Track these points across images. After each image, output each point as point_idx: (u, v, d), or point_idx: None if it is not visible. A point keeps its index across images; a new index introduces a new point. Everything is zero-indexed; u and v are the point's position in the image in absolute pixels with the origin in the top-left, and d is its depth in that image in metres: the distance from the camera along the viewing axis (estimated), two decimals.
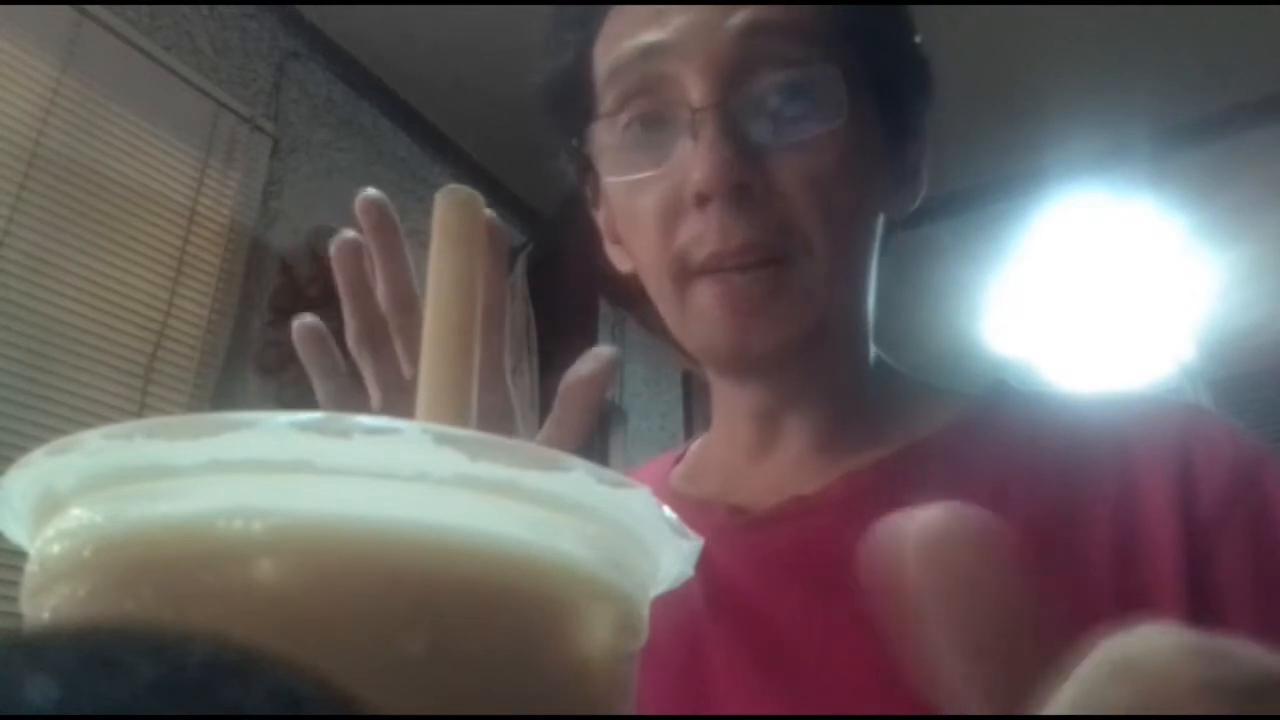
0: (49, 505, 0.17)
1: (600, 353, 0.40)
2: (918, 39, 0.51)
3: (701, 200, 0.43)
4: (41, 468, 0.16)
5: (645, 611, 0.20)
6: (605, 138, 0.47)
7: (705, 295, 0.44)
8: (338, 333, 0.44)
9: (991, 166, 2.50)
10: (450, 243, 0.23)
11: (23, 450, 0.16)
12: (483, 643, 0.15)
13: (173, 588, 0.15)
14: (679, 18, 0.44)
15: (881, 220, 0.49)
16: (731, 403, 0.53)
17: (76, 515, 0.16)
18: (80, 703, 0.08)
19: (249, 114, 1.90)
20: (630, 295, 0.50)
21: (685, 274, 0.45)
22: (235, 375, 1.78)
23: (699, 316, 0.45)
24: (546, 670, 0.16)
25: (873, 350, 0.52)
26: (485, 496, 0.16)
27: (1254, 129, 2.32)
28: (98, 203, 1.61)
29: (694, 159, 0.42)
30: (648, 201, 0.45)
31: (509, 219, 2.41)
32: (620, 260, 0.53)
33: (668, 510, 0.19)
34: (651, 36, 0.44)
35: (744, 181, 0.42)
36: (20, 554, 0.17)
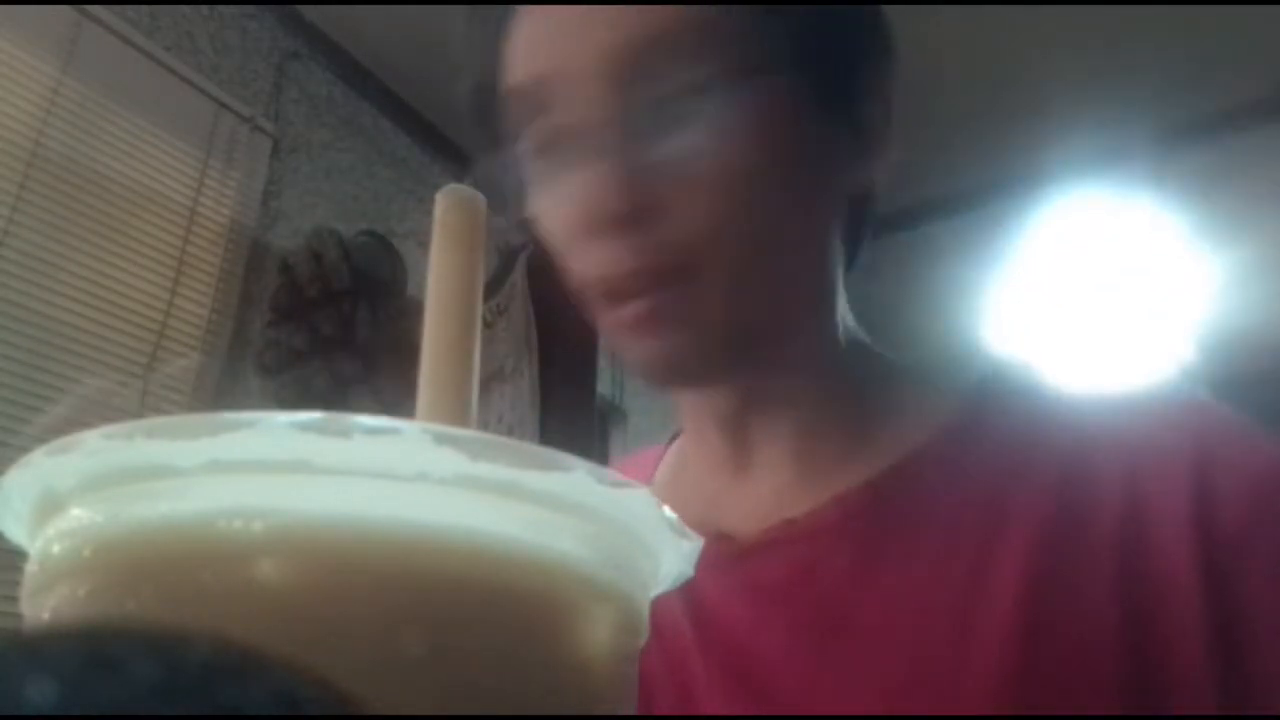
0: (49, 505, 0.17)
1: None
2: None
3: (591, 227, 0.41)
4: (41, 468, 0.16)
5: (645, 611, 0.20)
6: (518, 161, 0.45)
7: (614, 319, 0.43)
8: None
9: (991, 166, 2.50)
10: (450, 242, 0.23)
11: (23, 450, 0.16)
12: (483, 643, 0.15)
13: (173, 588, 0.15)
14: (564, 41, 0.42)
15: (837, 199, 0.46)
16: (695, 411, 0.51)
17: (76, 515, 0.16)
18: (80, 703, 0.08)
19: (249, 114, 1.90)
20: None
21: (598, 302, 0.43)
22: (235, 375, 1.78)
23: (616, 339, 0.44)
24: (546, 670, 0.16)
25: (847, 337, 0.48)
26: (485, 496, 0.16)
27: (1254, 129, 2.32)
28: (98, 203, 1.61)
29: (577, 188, 0.41)
30: (556, 227, 0.44)
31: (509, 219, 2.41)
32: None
33: (668, 510, 0.19)
34: (539, 64, 0.42)
35: (627, 207, 0.40)
36: (20, 554, 0.17)
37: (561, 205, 0.42)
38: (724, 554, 0.45)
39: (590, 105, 0.41)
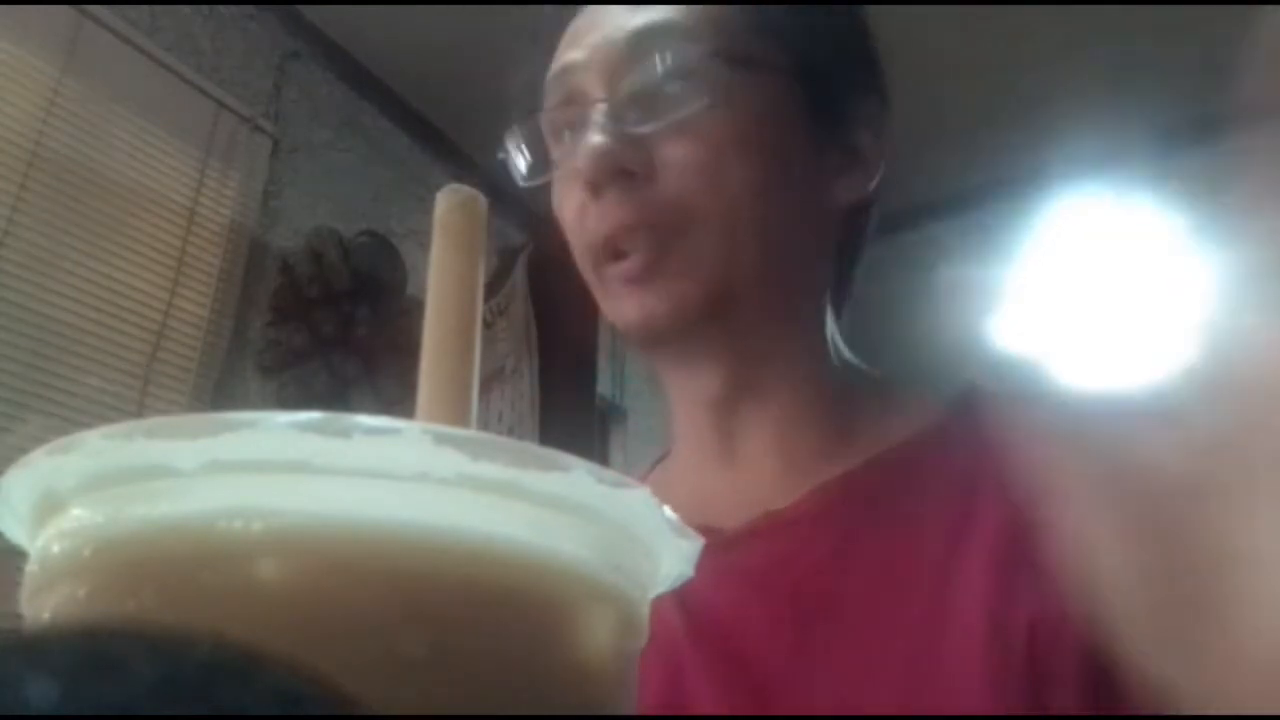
0: (49, 505, 0.17)
1: None
2: (862, 38, 0.53)
3: (590, 188, 0.45)
4: (41, 468, 0.16)
5: (645, 611, 0.20)
6: (547, 140, 0.51)
7: (610, 277, 0.47)
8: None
9: (993, 166, 2.50)
10: (450, 243, 0.23)
11: (23, 450, 0.16)
12: (482, 643, 0.15)
13: (173, 588, 0.15)
14: (593, 34, 0.47)
15: (826, 208, 0.50)
16: (685, 395, 0.53)
17: (76, 515, 0.16)
18: (80, 703, 0.08)
19: (249, 114, 1.90)
20: None
21: (599, 264, 0.47)
22: (235, 375, 1.78)
23: (612, 299, 0.48)
24: (546, 671, 0.16)
25: (835, 353, 0.52)
26: (485, 497, 0.16)
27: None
28: (98, 203, 1.61)
29: (578, 155, 0.45)
30: (567, 198, 0.48)
31: (509, 219, 2.41)
32: None
33: (668, 510, 0.19)
34: (570, 56, 0.48)
35: (622, 166, 0.44)
36: (20, 554, 0.17)
37: (566, 178, 0.48)
38: (710, 545, 0.46)
39: (593, 87, 0.47)
